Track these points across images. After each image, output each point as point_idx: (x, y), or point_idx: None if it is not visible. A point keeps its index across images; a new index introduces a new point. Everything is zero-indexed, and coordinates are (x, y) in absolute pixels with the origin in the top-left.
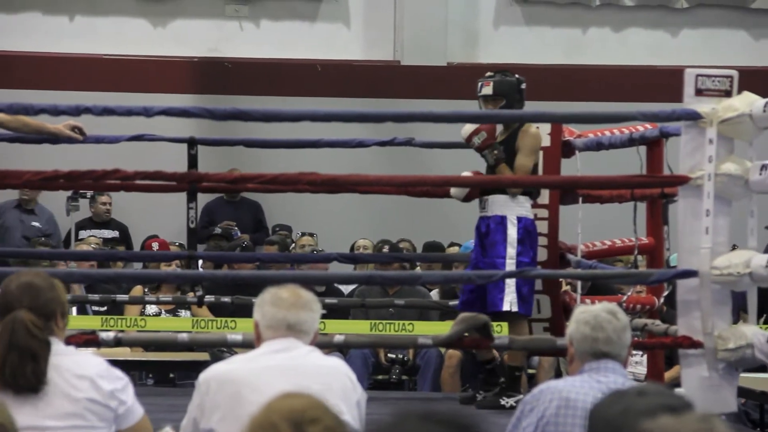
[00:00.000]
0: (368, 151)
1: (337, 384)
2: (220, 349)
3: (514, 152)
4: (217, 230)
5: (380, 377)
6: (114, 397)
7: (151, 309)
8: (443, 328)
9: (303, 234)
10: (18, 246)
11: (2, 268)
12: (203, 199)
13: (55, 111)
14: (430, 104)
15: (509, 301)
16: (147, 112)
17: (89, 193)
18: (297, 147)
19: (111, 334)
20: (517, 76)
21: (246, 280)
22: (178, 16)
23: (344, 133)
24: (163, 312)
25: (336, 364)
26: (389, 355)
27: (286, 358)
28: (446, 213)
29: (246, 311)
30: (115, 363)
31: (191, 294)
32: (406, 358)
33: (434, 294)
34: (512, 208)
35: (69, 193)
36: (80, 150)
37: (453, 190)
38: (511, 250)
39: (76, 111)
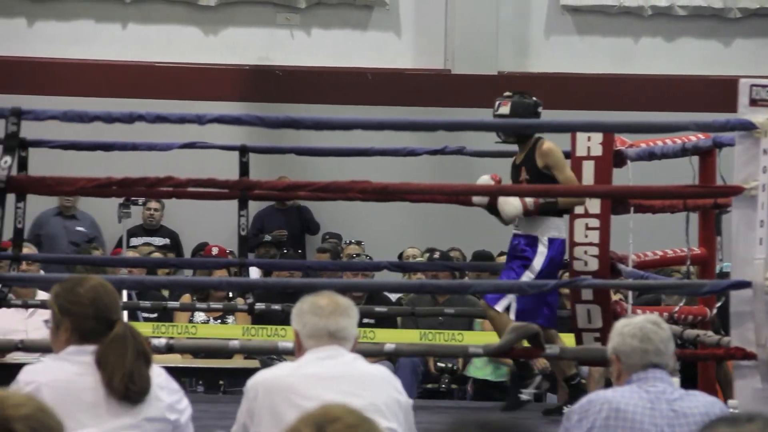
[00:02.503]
0: (417, 160)
1: (383, 391)
2: (270, 357)
3: (538, 171)
4: (268, 238)
5: (429, 386)
6: (173, 410)
7: (199, 316)
8: (493, 338)
9: (350, 242)
10: (65, 252)
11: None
12: (254, 206)
13: (109, 118)
14: (481, 113)
15: (506, 304)
16: (200, 120)
17: (141, 200)
18: (348, 155)
19: (163, 341)
20: (534, 99)
21: (296, 288)
22: (230, 24)
23: (393, 142)
24: (211, 319)
25: (382, 371)
26: (438, 364)
27: (333, 366)
28: (496, 222)
29: None
30: (166, 370)
31: (241, 301)
32: (455, 367)
33: None
34: (545, 229)
35: (121, 200)
36: (132, 157)
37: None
38: (536, 266)
39: (129, 118)
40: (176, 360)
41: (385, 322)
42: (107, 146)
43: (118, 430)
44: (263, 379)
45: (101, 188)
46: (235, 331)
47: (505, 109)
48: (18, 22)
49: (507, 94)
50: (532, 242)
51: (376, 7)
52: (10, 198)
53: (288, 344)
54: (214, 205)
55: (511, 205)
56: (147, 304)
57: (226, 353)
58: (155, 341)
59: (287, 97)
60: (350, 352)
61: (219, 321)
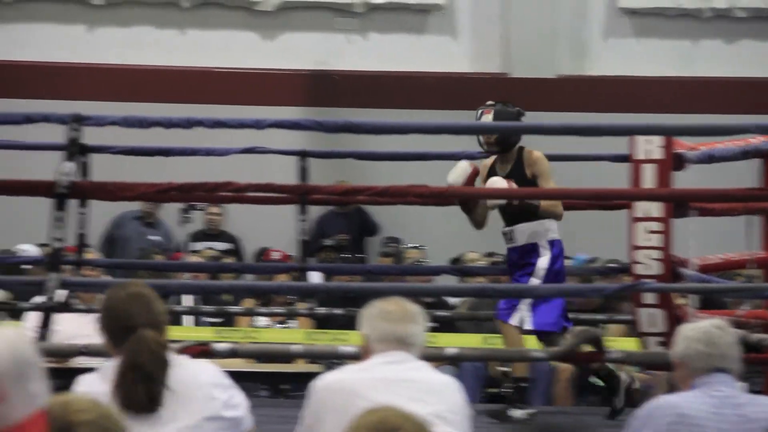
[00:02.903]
0: None
1: (449, 399)
2: (332, 361)
3: (525, 180)
4: (329, 242)
5: (492, 390)
6: (229, 407)
7: (261, 321)
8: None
9: (410, 247)
10: (136, 257)
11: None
12: (315, 211)
13: (168, 123)
14: (539, 116)
15: (519, 318)
16: (259, 125)
17: (201, 205)
18: (405, 159)
19: (226, 346)
20: (518, 108)
21: (357, 292)
22: (287, 29)
23: (451, 146)
24: (273, 324)
25: (447, 379)
26: (501, 368)
27: (399, 371)
28: (558, 225)
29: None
30: (229, 374)
31: (303, 305)
32: None
33: None
34: (542, 234)
35: (182, 205)
36: (192, 162)
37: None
38: (540, 270)
39: (188, 123)
40: (239, 364)
41: (447, 326)
42: (166, 152)
43: None
44: (328, 381)
45: (161, 193)
46: (297, 335)
47: (488, 118)
48: (78, 29)
49: (489, 102)
50: (532, 249)
51: (432, 11)
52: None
53: (349, 348)
54: (275, 209)
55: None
56: (210, 308)
57: (288, 357)
58: (218, 346)
59: (345, 101)
60: (418, 358)
61: (281, 325)
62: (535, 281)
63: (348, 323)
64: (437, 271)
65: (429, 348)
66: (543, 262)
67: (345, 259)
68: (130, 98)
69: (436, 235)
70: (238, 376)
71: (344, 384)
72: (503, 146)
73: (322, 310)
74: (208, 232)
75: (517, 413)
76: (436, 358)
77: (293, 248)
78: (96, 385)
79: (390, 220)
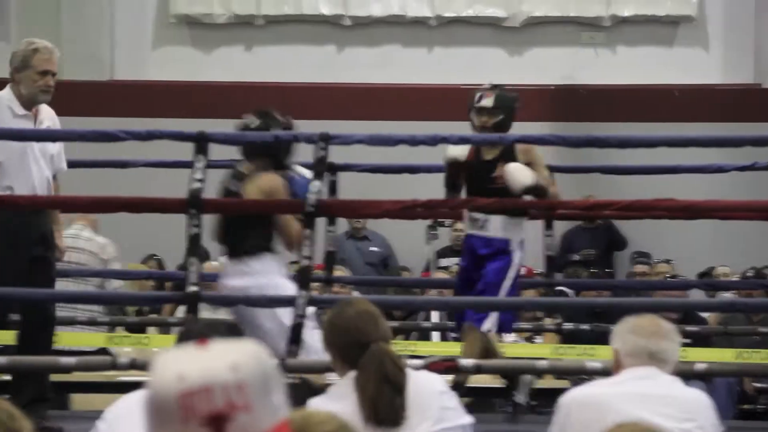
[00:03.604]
0: (726, 175)
1: (701, 416)
2: (580, 377)
3: None
4: (576, 257)
5: (746, 407)
6: (459, 414)
7: (508, 336)
8: None
9: (660, 261)
10: (363, 274)
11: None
12: (562, 226)
13: (413, 141)
14: None
15: (490, 323)
16: (502, 141)
17: (448, 222)
18: (653, 173)
19: (471, 362)
20: (515, 94)
21: (603, 307)
22: (535, 44)
23: (702, 158)
24: (519, 339)
25: (699, 396)
26: (756, 384)
27: (650, 386)
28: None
29: (604, 339)
30: (476, 390)
31: (549, 321)
32: None
33: None
34: (515, 232)
35: (428, 222)
36: (441, 179)
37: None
38: (512, 275)
39: (433, 141)
40: (486, 380)
41: (700, 341)
42: (413, 169)
43: None
44: (576, 395)
45: (406, 210)
46: (544, 350)
47: (488, 101)
48: (328, 50)
49: (488, 85)
50: (502, 245)
51: (682, 22)
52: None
53: (596, 364)
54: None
55: (523, 174)
56: (453, 324)
57: (534, 373)
58: (464, 361)
59: (592, 115)
60: (669, 374)
61: (527, 341)
62: (507, 283)
63: (596, 338)
64: (686, 285)
65: (679, 363)
66: (515, 268)
67: (593, 275)
68: (376, 117)
69: (686, 249)
70: (486, 392)
71: (594, 398)
72: (501, 131)
73: (568, 326)
74: (456, 248)
75: None
76: (687, 374)
77: (540, 264)
78: (329, 405)
79: (641, 234)
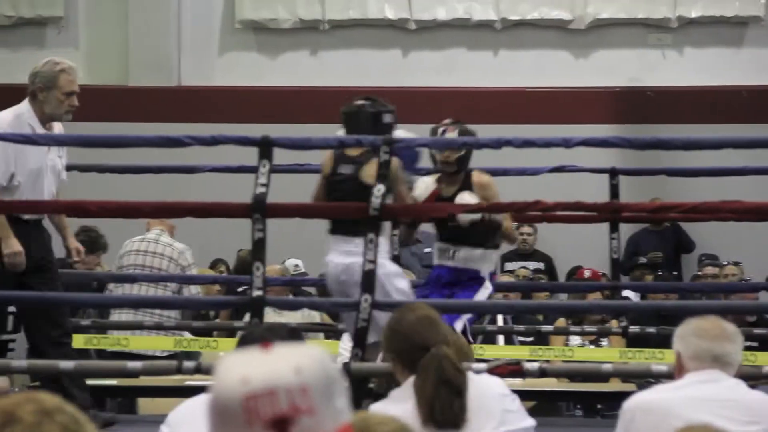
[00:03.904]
0: None
1: (764, 419)
2: (648, 380)
3: None
4: (642, 260)
5: None
6: (522, 417)
7: (575, 340)
8: None
9: (728, 263)
10: (420, 278)
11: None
12: (628, 229)
13: (476, 144)
14: None
15: (461, 324)
16: (567, 144)
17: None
18: (720, 175)
19: (536, 365)
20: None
21: (669, 310)
22: (600, 47)
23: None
24: (586, 342)
25: (764, 398)
26: None
27: (713, 390)
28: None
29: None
30: (543, 394)
31: (615, 324)
32: None
33: None
34: (486, 264)
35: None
36: (503, 182)
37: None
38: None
39: (497, 144)
40: (552, 384)
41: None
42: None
43: None
44: (640, 400)
45: (470, 213)
46: (611, 354)
47: (453, 135)
48: (393, 54)
49: (448, 121)
50: (473, 275)
51: (750, 23)
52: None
53: (662, 367)
54: (588, 228)
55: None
56: (521, 328)
57: (599, 376)
58: (528, 365)
59: (659, 117)
60: (733, 377)
61: (594, 344)
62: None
63: (662, 342)
64: (754, 288)
65: (746, 366)
66: (485, 291)
67: (659, 277)
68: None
69: (755, 251)
70: (551, 396)
71: (657, 404)
72: (462, 166)
73: (635, 329)
74: (521, 251)
75: None
76: (753, 377)
77: (606, 267)
78: (390, 408)
79: (709, 236)
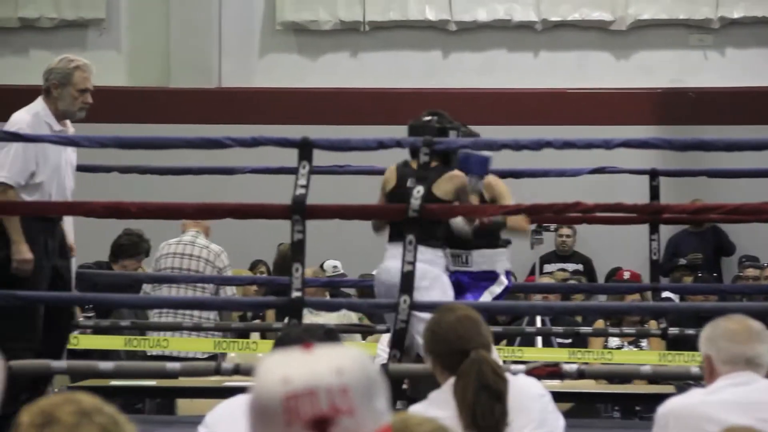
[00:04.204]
0: None
1: None
2: (687, 382)
3: (483, 201)
4: (682, 261)
5: None
6: (558, 416)
7: (613, 341)
8: None
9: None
10: None
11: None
12: (668, 230)
13: (516, 146)
14: None
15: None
16: (607, 145)
17: (553, 227)
18: (761, 176)
19: (574, 366)
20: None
21: (709, 312)
22: (642, 47)
23: None
24: (625, 344)
25: None
26: None
27: (749, 392)
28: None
29: None
30: (581, 395)
31: (654, 325)
32: None
33: None
34: (500, 263)
35: (533, 226)
36: (543, 184)
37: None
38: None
39: (537, 145)
40: (590, 385)
41: None
42: (517, 173)
43: None
44: (674, 406)
45: (509, 215)
46: (650, 356)
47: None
48: (433, 55)
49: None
50: (492, 277)
51: None
52: None
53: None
54: (628, 229)
55: (459, 223)
56: (560, 329)
57: (637, 378)
58: (567, 366)
59: (701, 119)
60: (765, 378)
61: (633, 346)
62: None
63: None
64: None
65: None
66: (498, 291)
67: (699, 279)
68: (481, 122)
69: None
70: (589, 397)
71: (692, 409)
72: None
73: (674, 331)
74: (560, 253)
75: None
76: None
77: (645, 268)
78: (430, 411)
79: (750, 238)
